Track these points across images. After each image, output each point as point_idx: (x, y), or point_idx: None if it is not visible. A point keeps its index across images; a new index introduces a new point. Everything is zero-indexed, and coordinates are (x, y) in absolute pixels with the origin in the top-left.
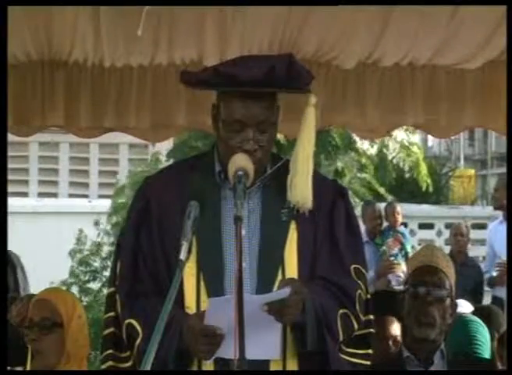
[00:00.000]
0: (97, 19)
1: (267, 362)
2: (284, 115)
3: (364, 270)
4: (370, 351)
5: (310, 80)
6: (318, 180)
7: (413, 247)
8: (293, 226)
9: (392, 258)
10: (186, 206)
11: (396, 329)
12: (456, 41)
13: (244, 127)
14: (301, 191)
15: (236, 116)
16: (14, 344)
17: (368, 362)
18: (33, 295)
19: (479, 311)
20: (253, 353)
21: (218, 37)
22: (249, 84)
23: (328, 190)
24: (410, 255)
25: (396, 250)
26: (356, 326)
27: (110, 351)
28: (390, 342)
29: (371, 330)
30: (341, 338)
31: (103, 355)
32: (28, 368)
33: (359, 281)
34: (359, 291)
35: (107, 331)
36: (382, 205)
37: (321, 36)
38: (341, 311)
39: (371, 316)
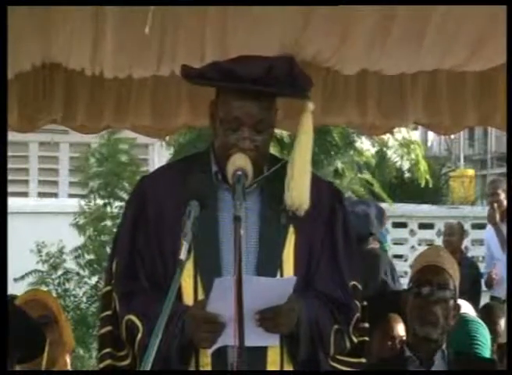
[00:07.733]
0: (100, 27)
1: (264, 350)
2: (287, 111)
3: (359, 285)
4: (363, 360)
5: (309, 85)
6: (315, 182)
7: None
8: (291, 229)
9: None
10: (183, 206)
11: (402, 328)
12: (458, 45)
13: (241, 126)
14: (298, 194)
15: (234, 113)
16: (32, 337)
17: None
18: (15, 296)
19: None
20: (252, 340)
21: (219, 46)
22: (248, 81)
23: (326, 193)
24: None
25: None
26: (348, 345)
27: (108, 349)
28: (396, 342)
29: (366, 338)
30: (331, 353)
31: (100, 353)
32: (44, 359)
33: (357, 302)
34: (357, 315)
35: (104, 330)
36: (382, 205)
37: (321, 39)
38: (336, 327)
39: (366, 325)
